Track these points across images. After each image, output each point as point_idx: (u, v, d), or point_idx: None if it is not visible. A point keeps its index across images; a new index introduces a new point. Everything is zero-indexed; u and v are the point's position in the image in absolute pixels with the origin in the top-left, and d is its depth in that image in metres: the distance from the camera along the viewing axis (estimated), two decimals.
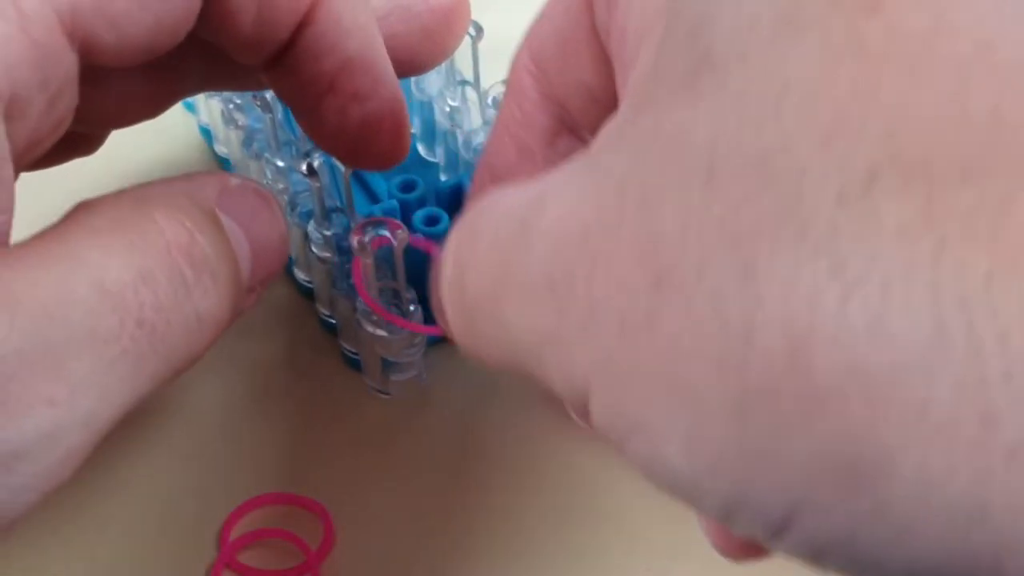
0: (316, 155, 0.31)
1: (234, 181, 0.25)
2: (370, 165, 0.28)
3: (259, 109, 0.34)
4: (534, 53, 0.25)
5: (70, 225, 0.22)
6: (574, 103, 0.24)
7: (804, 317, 0.15)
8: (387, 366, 0.32)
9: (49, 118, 0.23)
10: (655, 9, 0.19)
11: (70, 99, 0.23)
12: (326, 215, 0.32)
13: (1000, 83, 0.15)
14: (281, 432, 0.33)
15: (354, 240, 0.29)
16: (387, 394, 0.33)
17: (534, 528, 0.31)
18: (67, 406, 0.20)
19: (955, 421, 0.14)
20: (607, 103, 0.24)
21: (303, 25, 0.25)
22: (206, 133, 0.40)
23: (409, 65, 0.30)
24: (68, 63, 0.22)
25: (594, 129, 0.24)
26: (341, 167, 0.32)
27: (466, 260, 0.21)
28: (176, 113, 0.41)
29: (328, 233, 0.32)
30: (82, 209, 0.22)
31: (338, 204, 0.33)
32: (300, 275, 0.36)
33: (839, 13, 0.16)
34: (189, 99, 0.40)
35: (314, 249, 0.33)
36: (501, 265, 0.20)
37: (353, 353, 0.33)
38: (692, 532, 0.30)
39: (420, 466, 0.32)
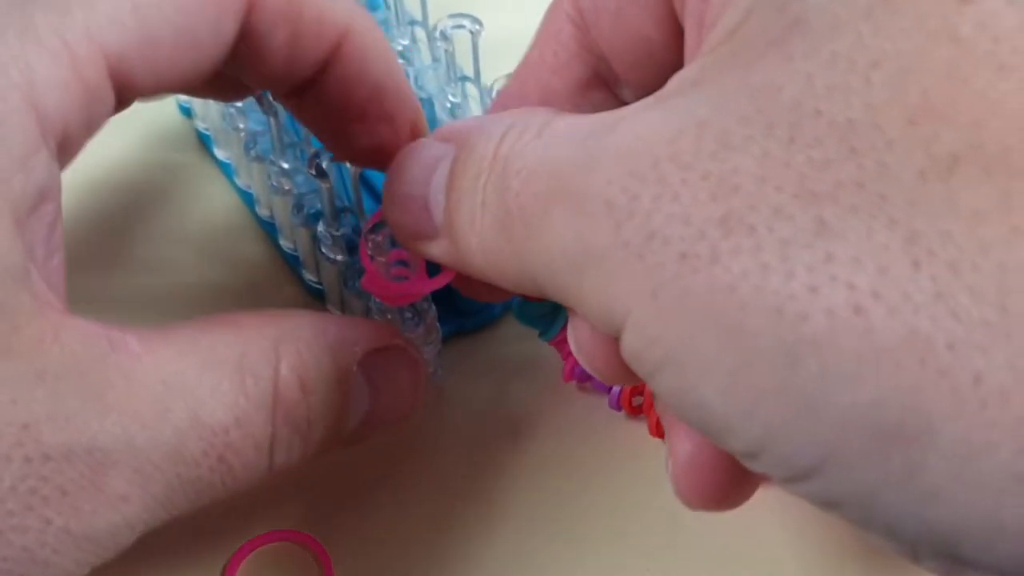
0: (324, 156, 0.31)
1: (394, 342, 0.26)
2: None
3: (260, 112, 0.34)
4: (580, 2, 0.24)
5: (198, 339, 0.23)
6: (623, 57, 0.24)
7: (872, 280, 0.16)
8: None
9: (80, 150, 0.24)
10: None
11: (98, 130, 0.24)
12: (336, 215, 0.32)
13: None
14: None
15: (368, 241, 0.29)
16: None
17: (538, 527, 0.31)
18: (137, 505, 0.21)
19: (1005, 397, 0.15)
20: (664, 60, 0.24)
21: (332, 57, 0.26)
22: (205, 138, 0.40)
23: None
24: (109, 103, 0.23)
25: (641, 85, 0.24)
26: (350, 167, 0.32)
27: (513, 157, 0.21)
28: (173, 118, 0.41)
29: (338, 233, 0.32)
30: (222, 324, 0.23)
31: (347, 204, 0.33)
32: (308, 276, 0.35)
33: None
34: (186, 104, 0.40)
35: (324, 250, 0.33)
36: (555, 174, 0.19)
37: None
38: (692, 535, 0.31)
39: (432, 468, 0.32)
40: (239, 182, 0.38)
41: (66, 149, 0.22)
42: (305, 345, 0.24)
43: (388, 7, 0.38)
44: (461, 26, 0.35)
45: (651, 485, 0.32)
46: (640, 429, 0.33)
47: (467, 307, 0.35)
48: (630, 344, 0.18)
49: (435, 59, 0.37)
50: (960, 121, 0.16)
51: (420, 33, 0.38)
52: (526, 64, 0.26)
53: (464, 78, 0.36)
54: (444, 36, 0.35)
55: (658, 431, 0.32)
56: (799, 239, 0.16)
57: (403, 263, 0.30)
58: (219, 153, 0.39)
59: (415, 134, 0.27)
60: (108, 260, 0.37)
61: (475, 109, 0.36)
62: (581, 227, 0.19)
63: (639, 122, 0.19)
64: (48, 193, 0.22)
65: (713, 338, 0.17)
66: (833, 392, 0.16)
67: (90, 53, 0.22)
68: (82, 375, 0.20)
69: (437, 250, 0.23)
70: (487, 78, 0.35)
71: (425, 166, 0.24)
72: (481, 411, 0.33)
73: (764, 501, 0.31)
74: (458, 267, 0.23)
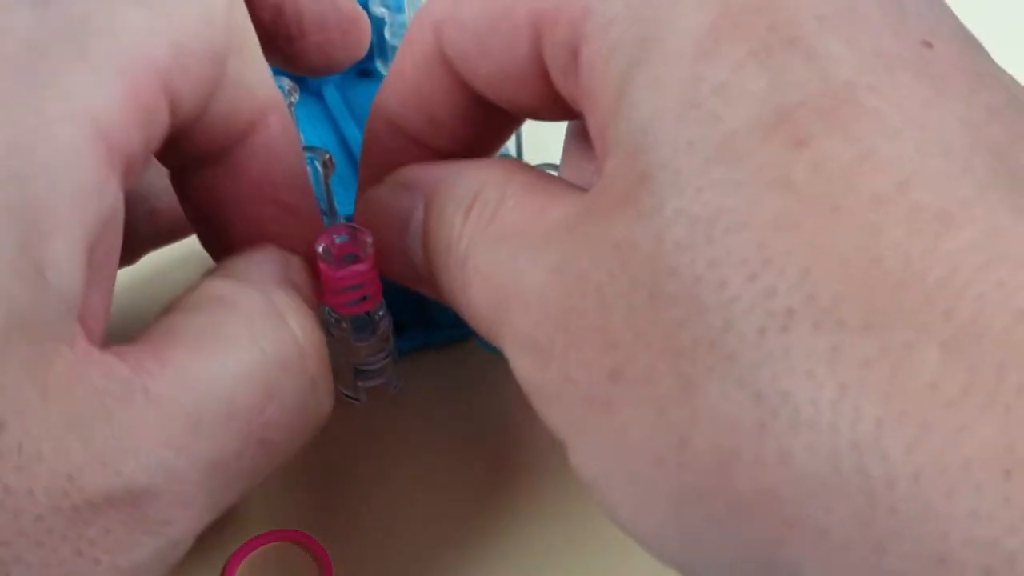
0: None
1: (293, 259, 0.26)
2: None
3: None
4: (447, 49, 0.24)
5: (205, 329, 0.22)
6: (505, 106, 0.24)
7: (729, 438, 0.17)
8: (356, 372, 0.32)
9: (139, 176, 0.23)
10: (608, 105, 0.20)
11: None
12: None
13: (910, 229, 0.16)
14: None
15: (319, 246, 0.29)
16: (357, 400, 0.32)
17: (535, 527, 0.31)
18: (182, 525, 0.21)
19: (849, 546, 0.16)
20: (552, 117, 0.24)
21: (254, 127, 0.24)
22: None
23: (330, 65, 0.30)
24: (164, 120, 0.22)
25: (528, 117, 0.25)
26: (321, 169, 0.32)
27: (473, 247, 0.22)
28: None
29: None
30: (216, 306, 0.23)
31: (320, 207, 0.33)
32: None
33: (770, 145, 0.17)
34: None
35: None
36: (499, 300, 0.21)
37: None
38: None
39: (430, 470, 0.32)
40: None
41: (129, 174, 0.21)
42: (289, 289, 0.24)
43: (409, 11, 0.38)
44: None
45: None
46: None
47: (439, 320, 0.34)
48: (571, 463, 0.20)
49: None
50: (793, 273, 0.16)
51: None
52: (403, 82, 0.25)
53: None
54: None
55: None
56: (669, 396, 0.17)
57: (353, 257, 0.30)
58: None
59: (314, 223, 0.27)
60: None
61: None
62: (523, 360, 0.20)
63: (548, 265, 0.20)
64: (114, 220, 0.21)
65: (618, 477, 0.19)
66: (717, 532, 0.17)
67: (144, 68, 0.21)
68: (109, 415, 0.20)
69: (425, 289, 0.25)
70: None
71: (398, 219, 0.24)
72: (441, 422, 0.33)
73: None
74: None
